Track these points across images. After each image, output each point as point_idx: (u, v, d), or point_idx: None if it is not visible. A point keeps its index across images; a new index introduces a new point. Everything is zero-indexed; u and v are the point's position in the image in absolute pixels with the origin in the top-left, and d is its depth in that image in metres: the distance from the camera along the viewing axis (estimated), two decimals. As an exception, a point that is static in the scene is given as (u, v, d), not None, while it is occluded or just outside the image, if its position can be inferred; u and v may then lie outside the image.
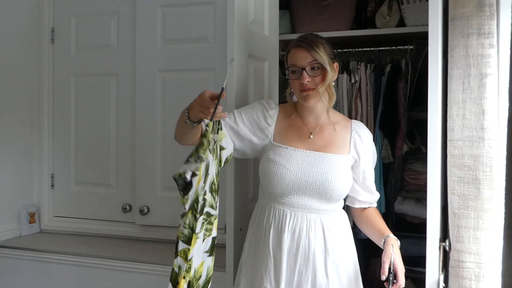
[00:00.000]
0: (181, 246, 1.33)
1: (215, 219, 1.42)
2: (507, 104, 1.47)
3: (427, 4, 1.51)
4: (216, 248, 1.45)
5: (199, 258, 1.39)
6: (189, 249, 1.33)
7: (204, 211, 1.36)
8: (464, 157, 1.46)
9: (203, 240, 1.38)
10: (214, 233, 1.42)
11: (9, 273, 2.37)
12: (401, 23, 2.60)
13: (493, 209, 1.43)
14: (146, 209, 2.44)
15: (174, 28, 2.40)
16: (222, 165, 1.49)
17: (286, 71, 1.61)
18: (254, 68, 1.98)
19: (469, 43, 1.45)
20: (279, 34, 2.31)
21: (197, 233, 1.35)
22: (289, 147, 1.58)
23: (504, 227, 1.45)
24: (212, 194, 1.39)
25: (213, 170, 1.40)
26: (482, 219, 1.44)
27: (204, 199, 1.35)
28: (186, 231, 1.32)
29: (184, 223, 1.32)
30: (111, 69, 2.56)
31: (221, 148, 1.48)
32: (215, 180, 1.41)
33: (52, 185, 2.70)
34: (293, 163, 1.55)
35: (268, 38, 2.15)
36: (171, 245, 2.39)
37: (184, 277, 1.34)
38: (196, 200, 1.31)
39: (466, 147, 1.46)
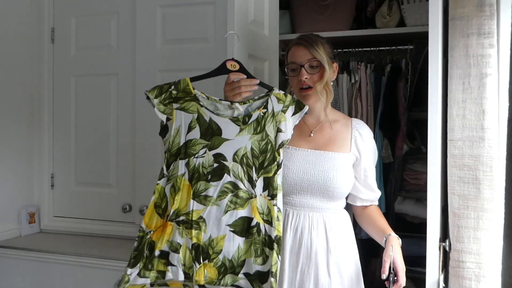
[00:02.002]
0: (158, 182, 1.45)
1: (248, 198, 1.41)
2: (507, 104, 1.47)
3: (427, 4, 1.51)
4: (257, 236, 1.40)
5: (219, 228, 1.39)
6: (158, 185, 1.43)
7: (227, 180, 1.41)
8: (464, 157, 1.46)
9: (225, 211, 1.39)
10: (246, 212, 1.40)
11: (9, 273, 2.37)
12: (401, 23, 2.60)
13: (493, 209, 1.43)
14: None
15: (174, 28, 2.39)
16: (276, 147, 1.45)
17: (286, 69, 1.63)
18: (254, 68, 1.98)
19: (469, 43, 1.45)
20: (279, 34, 2.31)
21: (211, 196, 1.39)
22: (291, 147, 1.58)
23: (504, 227, 1.45)
24: (242, 166, 1.41)
25: (244, 142, 1.43)
26: (482, 219, 1.44)
27: (191, 148, 1.42)
28: (162, 167, 1.44)
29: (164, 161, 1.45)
30: (111, 69, 2.56)
31: (279, 130, 1.46)
32: (249, 154, 1.42)
33: (52, 185, 2.70)
34: (295, 162, 1.56)
35: (268, 38, 2.15)
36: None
37: (177, 224, 1.40)
38: (171, 141, 1.43)
39: (466, 147, 1.46)
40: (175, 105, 1.44)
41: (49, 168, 2.69)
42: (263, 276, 1.37)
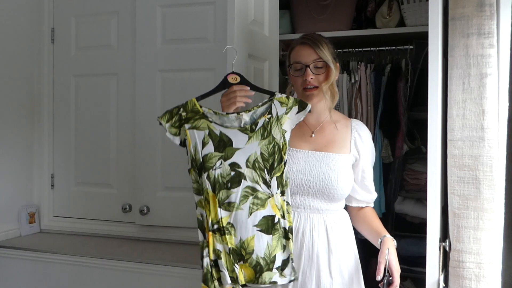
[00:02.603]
0: (196, 198, 1.53)
1: (266, 198, 1.49)
2: (507, 104, 1.47)
3: (427, 4, 1.51)
4: (280, 230, 1.49)
5: (247, 230, 1.48)
6: (202, 199, 1.50)
7: (245, 185, 1.49)
8: (464, 157, 1.46)
9: (250, 213, 1.48)
10: (268, 211, 1.48)
11: (9, 273, 2.37)
12: (401, 23, 2.61)
13: (493, 209, 1.43)
14: (146, 209, 2.44)
15: (174, 28, 2.39)
16: (282, 147, 1.51)
17: (289, 68, 1.63)
18: (254, 68, 1.98)
19: (469, 43, 1.45)
20: (279, 34, 2.31)
21: (233, 202, 1.48)
22: (292, 148, 1.58)
23: (504, 227, 1.45)
24: (255, 170, 1.49)
25: (254, 148, 1.50)
26: (482, 219, 1.44)
27: (208, 161, 1.50)
28: (195, 185, 1.53)
29: (192, 178, 1.53)
30: (111, 69, 2.56)
31: (284, 132, 1.52)
32: (259, 158, 1.50)
33: (52, 185, 2.70)
34: (296, 164, 1.55)
35: (268, 38, 2.15)
36: (171, 245, 2.39)
37: (213, 232, 1.48)
38: (193, 159, 1.51)
39: (466, 147, 1.46)
40: (187, 126, 1.53)
41: (49, 168, 2.69)
42: (284, 264, 1.50)
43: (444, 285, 1.53)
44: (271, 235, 1.49)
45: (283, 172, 1.51)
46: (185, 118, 1.53)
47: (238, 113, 1.53)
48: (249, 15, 1.95)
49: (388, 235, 1.53)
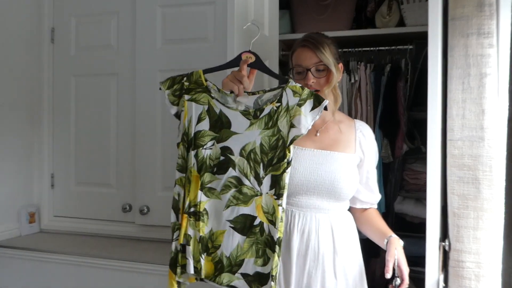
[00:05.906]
0: (177, 175, 1.42)
1: (252, 195, 1.37)
2: (507, 104, 1.47)
3: (427, 4, 1.51)
4: (259, 235, 1.36)
5: (219, 223, 1.38)
6: (183, 178, 1.41)
7: (231, 174, 1.38)
8: (464, 157, 1.46)
9: (227, 205, 1.38)
10: (249, 210, 1.36)
11: (9, 273, 2.37)
12: (401, 23, 2.61)
13: (493, 209, 1.43)
14: (146, 209, 2.44)
15: (174, 28, 2.40)
16: (288, 143, 1.37)
17: (291, 71, 1.61)
18: (254, 68, 1.98)
19: (469, 43, 1.45)
20: (279, 34, 2.32)
21: (215, 189, 1.39)
22: (296, 146, 1.54)
23: (504, 227, 1.45)
24: (249, 162, 1.37)
25: (254, 136, 1.38)
26: (482, 219, 1.44)
27: (199, 139, 1.40)
28: (180, 161, 1.42)
29: (178, 153, 1.43)
30: (111, 69, 2.56)
31: (292, 125, 1.37)
32: (257, 150, 1.37)
33: (52, 185, 2.70)
34: (301, 162, 1.53)
35: (268, 38, 2.15)
36: (171, 245, 2.38)
37: (188, 215, 1.39)
38: (185, 133, 1.41)
39: (466, 147, 1.46)
40: (186, 97, 1.42)
41: (49, 168, 2.69)
42: (263, 278, 1.35)
43: (444, 285, 1.52)
44: (245, 237, 1.35)
45: (284, 171, 1.35)
46: (186, 89, 1.43)
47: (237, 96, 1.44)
48: (249, 15, 1.95)
49: (394, 235, 1.52)
